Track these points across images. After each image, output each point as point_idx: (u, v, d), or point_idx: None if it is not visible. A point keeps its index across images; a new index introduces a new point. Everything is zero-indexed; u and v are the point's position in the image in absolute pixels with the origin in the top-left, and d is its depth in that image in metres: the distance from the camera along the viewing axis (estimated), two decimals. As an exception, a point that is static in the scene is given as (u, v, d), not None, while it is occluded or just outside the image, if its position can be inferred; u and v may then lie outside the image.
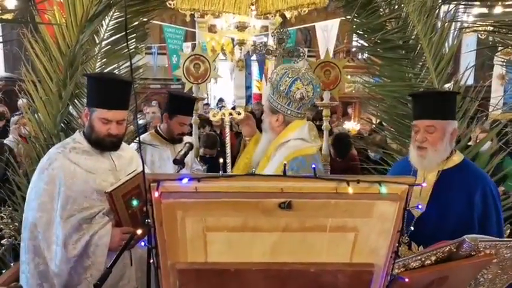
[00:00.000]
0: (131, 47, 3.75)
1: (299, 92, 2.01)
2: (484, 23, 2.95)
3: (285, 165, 1.17)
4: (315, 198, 1.12)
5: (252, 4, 2.59)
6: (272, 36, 7.18)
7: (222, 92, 11.01)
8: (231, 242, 1.18)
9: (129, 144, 2.43)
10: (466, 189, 1.99)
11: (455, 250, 1.56)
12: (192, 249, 1.19)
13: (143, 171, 1.22)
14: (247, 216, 1.15)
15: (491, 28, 2.89)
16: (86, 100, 2.11)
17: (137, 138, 3.16)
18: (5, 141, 4.39)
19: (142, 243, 1.61)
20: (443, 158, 2.04)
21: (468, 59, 3.53)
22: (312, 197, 1.12)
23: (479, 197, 1.97)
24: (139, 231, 1.27)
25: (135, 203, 1.56)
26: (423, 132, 2.01)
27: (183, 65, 3.38)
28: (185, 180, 1.11)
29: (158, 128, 3.27)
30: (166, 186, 1.12)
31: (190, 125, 5.56)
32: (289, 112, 2.09)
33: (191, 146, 2.54)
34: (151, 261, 1.21)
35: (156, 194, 1.11)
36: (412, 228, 1.98)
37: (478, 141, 3.32)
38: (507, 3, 2.70)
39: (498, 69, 4.93)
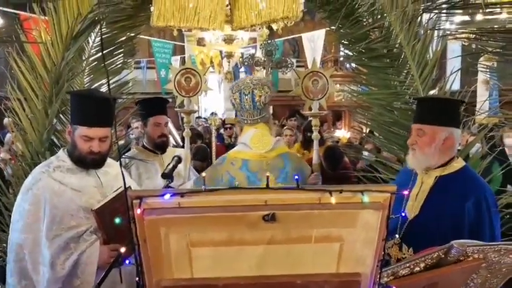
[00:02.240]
0: (119, 62, 3.75)
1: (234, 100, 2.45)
2: (466, 31, 3.00)
3: (267, 177, 1.17)
4: (298, 209, 1.12)
5: (227, 20, 2.62)
6: (260, 48, 7.26)
7: (212, 104, 11.04)
8: (216, 256, 1.18)
9: (116, 160, 2.42)
10: (459, 195, 2.00)
11: (443, 256, 1.56)
12: (177, 265, 1.18)
13: (125, 187, 1.21)
14: (231, 230, 1.15)
15: (473, 35, 2.94)
16: (70, 117, 2.10)
17: (124, 154, 3.14)
18: (-4, 160, 4.36)
19: (127, 261, 1.60)
20: (432, 162, 2.07)
21: (454, 64, 3.59)
22: (295, 208, 1.12)
23: (472, 204, 1.97)
24: (123, 249, 1.26)
25: (117, 220, 1.54)
26: (414, 135, 2.10)
27: (174, 78, 3.38)
28: (168, 196, 1.10)
29: (143, 142, 3.26)
30: (148, 203, 1.11)
31: (183, 139, 5.58)
32: (241, 119, 2.50)
33: (179, 160, 2.52)
34: (137, 279, 1.20)
35: (139, 211, 1.10)
36: (397, 235, 2.00)
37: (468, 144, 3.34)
38: (487, 10, 2.75)
39: (482, 75, 5.01)
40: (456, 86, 3.58)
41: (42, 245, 1.92)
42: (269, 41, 4.46)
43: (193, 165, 4.41)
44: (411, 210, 2.09)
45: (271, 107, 4.89)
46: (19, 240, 1.94)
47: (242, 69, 8.59)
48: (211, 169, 2.60)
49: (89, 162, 2.04)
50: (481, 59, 3.27)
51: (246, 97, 2.40)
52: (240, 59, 6.70)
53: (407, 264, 1.53)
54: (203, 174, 1.34)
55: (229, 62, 6.84)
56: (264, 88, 2.42)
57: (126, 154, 3.19)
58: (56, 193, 1.97)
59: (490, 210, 1.99)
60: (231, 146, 6.04)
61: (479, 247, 1.56)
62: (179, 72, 3.41)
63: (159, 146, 3.16)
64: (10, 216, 2.83)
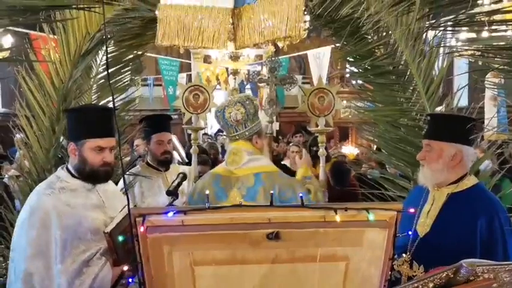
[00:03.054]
0: (126, 80, 3.80)
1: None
2: (471, 48, 3.00)
3: (271, 194, 1.15)
4: (303, 227, 1.11)
5: (230, 39, 2.66)
6: (264, 65, 7.31)
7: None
8: (219, 276, 1.16)
9: (120, 177, 2.41)
10: (471, 213, 1.98)
11: (452, 276, 1.52)
12: (180, 284, 1.16)
13: (128, 205, 1.20)
14: (235, 249, 1.13)
15: (479, 52, 2.93)
16: (70, 136, 2.07)
17: (128, 171, 3.13)
18: (6, 176, 4.38)
19: (130, 280, 1.58)
20: (440, 178, 2.06)
21: (461, 81, 3.57)
22: (300, 226, 1.11)
23: (484, 222, 1.94)
24: (125, 268, 1.24)
25: (120, 238, 1.52)
26: (423, 150, 2.12)
27: (183, 95, 3.42)
28: (171, 214, 1.09)
29: (147, 159, 3.27)
30: (151, 220, 1.10)
31: (187, 155, 5.58)
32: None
33: (184, 177, 2.52)
34: (139, 298, 1.18)
35: (142, 229, 1.09)
36: (404, 255, 1.96)
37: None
38: (493, 27, 2.75)
39: (490, 91, 4.98)
40: (464, 103, 3.55)
41: (56, 271, 1.87)
42: (272, 58, 4.51)
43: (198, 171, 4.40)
44: (422, 227, 2.07)
45: (277, 123, 4.91)
46: (30, 268, 1.85)
47: (248, 86, 8.65)
48: (199, 181, 2.68)
49: (101, 175, 2.02)
50: (488, 75, 3.26)
51: (219, 114, 2.49)
52: (246, 76, 6.75)
53: (416, 284, 1.49)
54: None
55: (235, 79, 6.90)
56: (236, 105, 2.40)
57: (130, 171, 3.19)
58: (64, 215, 1.92)
59: (502, 228, 1.95)
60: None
61: (489, 267, 1.52)
62: (187, 89, 3.45)
63: (163, 163, 3.17)
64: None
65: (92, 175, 2.01)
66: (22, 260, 1.88)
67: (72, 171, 2.05)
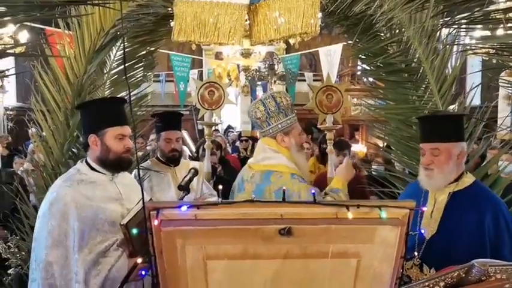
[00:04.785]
0: (139, 75, 3.83)
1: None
2: (486, 46, 2.96)
3: (284, 190, 1.16)
4: (315, 224, 1.11)
5: (246, 36, 2.66)
6: (263, 63, 7.32)
7: (228, 117, 11.10)
8: (231, 270, 1.17)
9: (130, 172, 2.45)
10: (476, 211, 1.97)
11: (464, 275, 1.51)
12: (192, 278, 1.18)
13: (143, 199, 1.22)
14: (247, 244, 1.15)
15: (493, 51, 2.90)
16: (88, 128, 2.11)
17: (139, 165, 3.17)
18: (20, 169, 4.46)
19: (143, 272, 1.60)
20: (450, 179, 2.04)
21: (474, 79, 3.54)
22: (312, 222, 1.11)
23: (490, 219, 1.94)
24: (139, 260, 1.26)
25: (135, 231, 1.54)
26: (429, 155, 2.04)
27: (198, 91, 3.45)
28: (184, 208, 1.11)
29: (157, 154, 3.31)
30: (165, 214, 1.12)
31: (199, 151, 5.62)
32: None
33: (196, 172, 2.53)
34: (152, 290, 1.20)
35: (156, 222, 1.11)
36: (416, 253, 1.95)
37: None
38: (508, 25, 2.71)
39: (504, 90, 4.91)
40: (477, 102, 3.52)
41: (74, 260, 1.92)
42: (271, 56, 4.54)
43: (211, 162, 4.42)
44: (427, 228, 2.04)
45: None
46: (49, 257, 1.91)
47: (259, 82, 8.66)
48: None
49: (125, 162, 2.08)
50: (502, 74, 3.22)
51: (248, 112, 2.53)
52: (252, 73, 6.76)
53: (427, 283, 1.49)
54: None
55: (246, 75, 6.91)
56: (257, 103, 2.44)
57: (141, 165, 3.23)
58: (82, 207, 1.97)
59: (508, 225, 1.96)
60: (246, 159, 6.06)
61: (502, 267, 1.51)
62: (203, 85, 3.48)
63: (171, 160, 3.19)
64: (29, 224, 2.90)
65: (116, 163, 2.07)
66: (42, 249, 1.94)
67: (92, 164, 2.11)
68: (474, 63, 6.88)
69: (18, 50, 3.58)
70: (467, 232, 1.96)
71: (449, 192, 2.04)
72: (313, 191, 1.18)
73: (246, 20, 2.59)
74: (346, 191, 2.44)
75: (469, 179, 2.07)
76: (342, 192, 2.42)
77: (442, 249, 1.96)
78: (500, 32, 2.98)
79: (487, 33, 3.11)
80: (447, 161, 2.01)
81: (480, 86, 3.37)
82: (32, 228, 2.23)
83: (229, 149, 7.12)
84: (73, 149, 3.07)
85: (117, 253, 1.98)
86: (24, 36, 6.46)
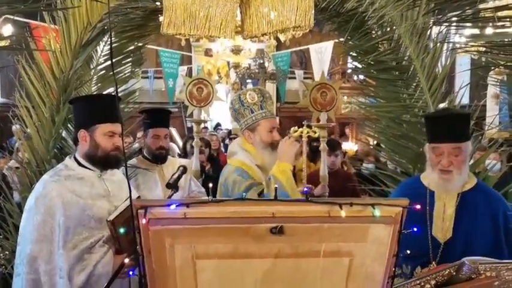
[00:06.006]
0: (127, 71, 3.77)
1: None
2: (476, 44, 2.98)
3: (276, 188, 1.14)
4: (307, 222, 1.09)
5: (238, 31, 2.61)
6: (253, 60, 7.30)
7: (218, 115, 11.02)
8: (221, 270, 1.14)
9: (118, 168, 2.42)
10: (489, 211, 1.96)
11: (454, 273, 1.52)
12: (181, 278, 1.15)
13: (130, 196, 1.19)
14: (237, 243, 1.12)
15: (483, 49, 2.92)
16: (79, 123, 2.09)
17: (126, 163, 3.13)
18: (5, 167, 4.37)
19: (131, 272, 1.56)
20: (466, 180, 1.99)
21: (463, 78, 3.56)
22: (304, 221, 1.09)
23: (502, 219, 1.95)
24: (126, 260, 1.23)
25: (122, 230, 1.51)
26: (448, 155, 1.91)
27: (186, 88, 3.40)
28: (173, 206, 1.08)
29: (144, 152, 3.26)
30: (154, 213, 1.08)
31: (186, 148, 5.58)
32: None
33: (185, 170, 2.49)
34: (140, 291, 1.17)
35: (144, 221, 1.08)
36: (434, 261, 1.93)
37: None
38: (498, 24, 2.72)
39: (492, 89, 4.97)
40: (465, 100, 3.54)
41: (58, 255, 1.90)
42: (261, 54, 4.53)
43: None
44: (440, 232, 1.97)
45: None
46: (34, 252, 1.90)
47: (249, 80, 8.62)
48: None
49: (113, 159, 2.05)
50: (491, 72, 3.24)
51: None
52: (243, 70, 6.74)
53: (418, 281, 1.49)
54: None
55: (236, 73, 6.87)
56: (232, 102, 2.53)
57: (128, 163, 3.17)
58: (68, 203, 1.95)
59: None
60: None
61: (491, 265, 1.52)
62: (191, 82, 3.44)
63: (157, 157, 3.15)
64: (13, 223, 2.83)
65: (104, 160, 2.05)
66: (27, 244, 1.92)
67: (80, 160, 2.08)
68: (463, 62, 6.95)
69: (1, 43, 3.48)
70: (485, 230, 1.93)
71: (459, 193, 1.98)
72: (305, 189, 1.15)
73: (239, 13, 2.53)
74: (290, 181, 2.17)
75: (472, 179, 2.04)
76: (272, 181, 2.17)
77: (461, 251, 1.85)
78: (489, 30, 3.00)
79: (477, 31, 3.14)
80: (465, 161, 1.95)
81: (469, 84, 3.39)
82: (16, 227, 2.20)
83: (222, 149, 7.09)
84: (58, 146, 3.01)
85: (103, 249, 1.96)
86: (8, 30, 6.31)
